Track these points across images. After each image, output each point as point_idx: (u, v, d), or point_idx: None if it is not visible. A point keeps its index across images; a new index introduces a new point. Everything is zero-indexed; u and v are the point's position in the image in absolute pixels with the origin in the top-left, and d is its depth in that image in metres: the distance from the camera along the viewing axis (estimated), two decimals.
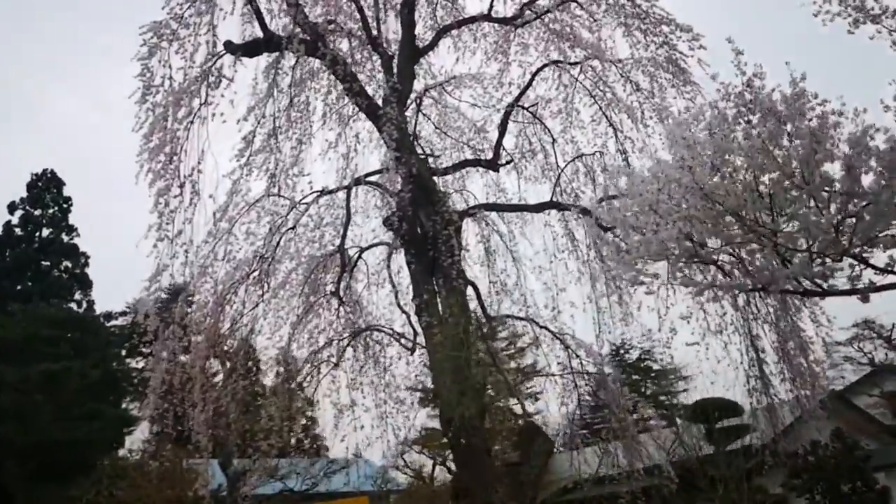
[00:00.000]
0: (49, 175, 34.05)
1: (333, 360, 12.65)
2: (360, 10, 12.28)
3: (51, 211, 33.40)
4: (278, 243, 13.38)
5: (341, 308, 12.84)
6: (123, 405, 29.24)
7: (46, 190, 33.76)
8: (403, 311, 12.61)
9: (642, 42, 12.77)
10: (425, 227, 12.36)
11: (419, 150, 13.62)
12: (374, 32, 12.53)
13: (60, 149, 72.20)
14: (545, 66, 14.12)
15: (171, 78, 12.71)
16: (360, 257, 13.88)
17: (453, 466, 32.96)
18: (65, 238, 33.04)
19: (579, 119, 14.77)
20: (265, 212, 13.36)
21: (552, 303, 12.63)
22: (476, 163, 13.90)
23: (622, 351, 32.89)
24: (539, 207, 13.68)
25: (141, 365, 34.18)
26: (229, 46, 12.45)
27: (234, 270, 13.25)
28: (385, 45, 12.74)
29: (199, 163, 11.98)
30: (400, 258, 13.75)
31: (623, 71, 13.71)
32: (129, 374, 31.47)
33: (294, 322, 12.52)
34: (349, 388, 12.90)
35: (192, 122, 12.14)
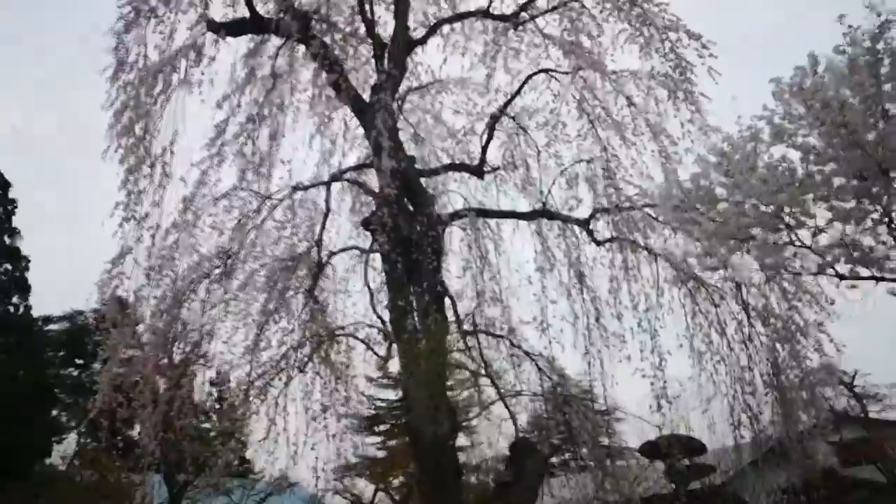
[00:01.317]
0: None
1: (297, 364, 11.77)
2: None
3: None
4: (244, 240, 12.58)
5: (312, 309, 11.96)
6: (54, 412, 28.24)
7: None
8: (379, 317, 11.80)
9: (645, 50, 12.22)
10: (404, 229, 11.58)
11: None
12: (369, 16, 11.84)
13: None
14: (535, 73, 13.58)
15: (145, 56, 12.01)
16: (328, 262, 13.07)
17: (396, 495, 32.28)
18: (7, 240, 31.88)
19: (565, 133, 14.30)
20: (233, 205, 12.55)
21: (541, 316, 11.90)
22: (461, 167, 13.28)
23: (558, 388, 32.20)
24: (531, 216, 13.04)
25: (76, 374, 33.03)
26: (211, 25, 11.72)
27: (197, 266, 12.39)
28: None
29: (171, 143, 11.21)
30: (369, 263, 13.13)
31: (617, 83, 13.25)
32: (64, 381, 30.39)
33: (261, 322, 11.58)
34: (322, 394, 12.03)
35: (167, 100, 11.37)
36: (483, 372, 11.28)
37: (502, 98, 13.87)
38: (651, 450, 17.59)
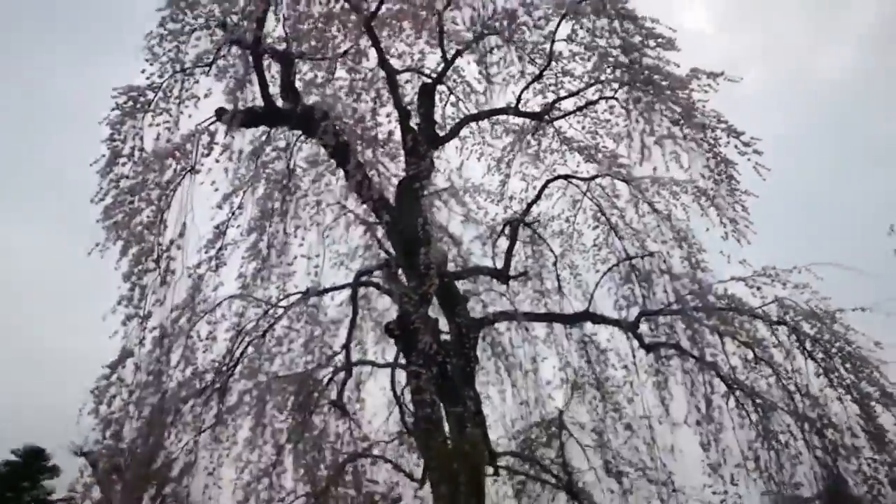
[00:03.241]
0: None
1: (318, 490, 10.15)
2: (392, 81, 10.86)
3: None
4: (244, 352, 11.25)
5: (343, 422, 10.48)
6: None
7: None
8: (410, 435, 10.36)
9: (675, 150, 11.69)
10: (424, 339, 10.26)
11: None
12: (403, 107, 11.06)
13: None
14: (553, 179, 13.07)
15: (141, 149, 10.93)
16: (331, 379, 11.65)
17: None
18: None
19: (580, 242, 13.74)
20: (236, 313, 11.27)
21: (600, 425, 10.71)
22: (487, 271, 12.30)
23: None
24: (574, 319, 12.05)
25: None
26: (222, 114, 10.78)
27: (189, 381, 10.89)
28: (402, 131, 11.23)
29: (179, 236, 9.96)
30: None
31: (638, 189, 12.76)
32: None
33: (277, 442, 10.03)
34: None
35: (174, 190, 10.23)
36: (562, 485, 9.85)
37: (517, 205, 13.36)
38: None
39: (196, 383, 11.18)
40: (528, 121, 12.62)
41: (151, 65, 11.06)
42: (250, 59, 10.58)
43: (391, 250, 11.58)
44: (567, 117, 12.38)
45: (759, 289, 10.81)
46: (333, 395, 10.50)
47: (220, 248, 11.22)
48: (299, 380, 10.43)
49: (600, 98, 11.81)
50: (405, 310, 10.00)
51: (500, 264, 12.35)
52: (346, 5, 10.22)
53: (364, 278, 11.31)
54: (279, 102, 11.41)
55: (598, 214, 13.38)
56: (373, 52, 11.29)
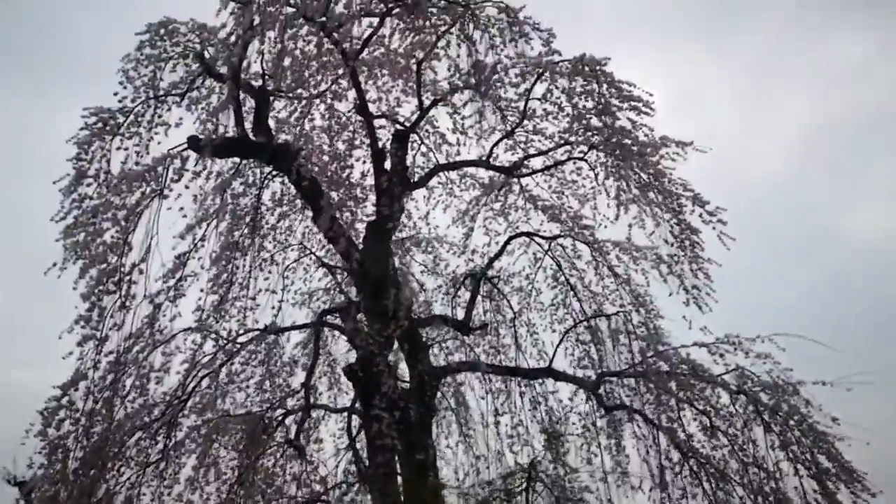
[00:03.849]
0: None
1: None
2: (370, 124, 10.87)
3: None
4: (196, 386, 10.89)
5: (298, 463, 10.14)
6: None
7: None
8: (364, 482, 10.07)
9: (639, 216, 11.87)
10: (388, 383, 10.09)
11: None
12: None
13: None
14: (516, 236, 13.21)
15: (107, 171, 10.71)
16: (282, 420, 11.36)
17: None
18: None
19: (539, 301, 13.84)
20: (189, 346, 10.93)
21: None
22: (451, 322, 12.23)
23: None
24: (536, 374, 12.01)
25: None
26: (194, 143, 10.62)
27: (138, 413, 10.47)
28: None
29: (142, 261, 9.70)
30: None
31: (600, 251, 12.97)
32: None
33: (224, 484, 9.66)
34: None
35: (139, 215, 9.99)
36: None
37: (478, 258, 13.42)
38: None
39: (145, 415, 10.79)
40: (496, 175, 12.74)
41: (125, 87, 11.01)
42: (229, 87, 10.48)
43: (352, 293, 11.46)
44: (534, 175, 12.48)
45: (721, 356, 10.88)
46: (287, 437, 10.17)
47: (180, 279, 10.98)
48: (251, 419, 10.09)
49: (569, 158, 11.94)
50: (368, 352, 9.83)
51: (459, 315, 12.36)
52: (332, 46, 10.22)
53: (326, 318, 11.09)
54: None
55: (558, 274, 13.54)
56: (349, 94, 11.38)
